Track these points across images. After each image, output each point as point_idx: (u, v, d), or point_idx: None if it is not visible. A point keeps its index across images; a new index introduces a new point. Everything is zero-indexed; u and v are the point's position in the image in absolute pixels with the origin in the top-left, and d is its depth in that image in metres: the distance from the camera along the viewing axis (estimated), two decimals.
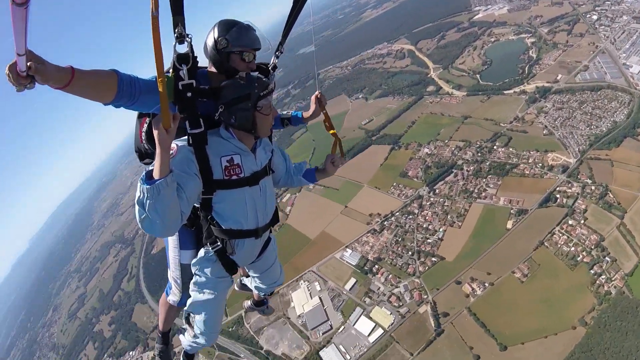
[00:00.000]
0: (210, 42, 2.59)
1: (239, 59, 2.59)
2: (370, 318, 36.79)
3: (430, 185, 47.37)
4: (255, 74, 2.54)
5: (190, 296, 3.02)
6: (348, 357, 34.83)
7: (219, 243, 2.72)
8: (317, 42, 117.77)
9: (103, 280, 69.77)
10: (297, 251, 46.61)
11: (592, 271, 33.34)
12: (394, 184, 50.28)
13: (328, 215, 50.32)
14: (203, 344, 3.31)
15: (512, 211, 40.40)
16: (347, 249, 44.46)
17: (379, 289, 38.85)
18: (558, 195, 39.89)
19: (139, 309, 55.09)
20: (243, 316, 41.45)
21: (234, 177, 2.52)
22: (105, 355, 51.67)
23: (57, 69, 1.69)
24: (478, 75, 63.85)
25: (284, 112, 3.74)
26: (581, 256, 34.58)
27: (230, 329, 41.56)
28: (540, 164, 43.77)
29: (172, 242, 3.00)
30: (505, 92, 57.42)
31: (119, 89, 2.09)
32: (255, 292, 4.17)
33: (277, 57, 3.15)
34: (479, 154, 48.33)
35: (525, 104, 53.23)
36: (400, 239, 42.45)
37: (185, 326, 3.25)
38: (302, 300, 40.67)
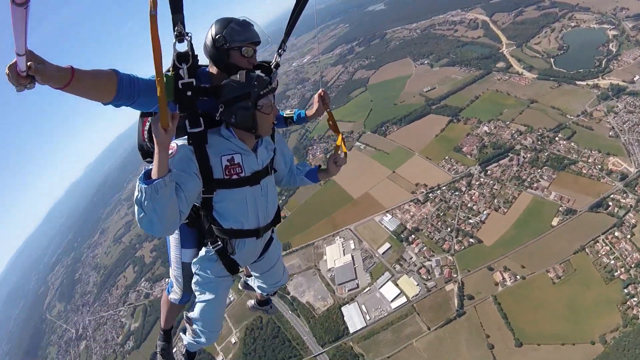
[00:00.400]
0: (208, 40, 2.55)
1: (238, 54, 2.54)
2: (397, 285, 37.31)
3: (483, 165, 45.81)
4: (257, 72, 2.47)
5: (191, 295, 3.07)
6: (368, 317, 35.63)
7: (219, 242, 2.70)
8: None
9: None
10: (338, 207, 46.84)
11: (625, 290, 32.58)
12: (446, 157, 48.96)
13: (374, 178, 49.94)
14: (203, 343, 3.25)
15: (560, 208, 39.29)
16: (387, 214, 44.26)
17: (411, 258, 38.94)
18: (610, 203, 38.25)
19: None
20: None
21: (235, 177, 2.50)
22: (143, 279, 55.53)
23: (57, 69, 1.70)
24: (552, 60, 59.28)
25: (288, 110, 3.67)
26: (619, 272, 33.79)
27: None
28: (600, 166, 41.72)
29: (173, 240, 3.00)
30: (577, 82, 53.32)
31: (118, 89, 2.07)
32: (258, 291, 4.10)
33: (280, 55, 3.06)
34: (539, 143, 46.07)
35: (596, 99, 49.35)
36: (441, 214, 42.05)
37: (186, 325, 3.21)
38: (334, 256, 41.24)
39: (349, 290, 37.75)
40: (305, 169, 3.37)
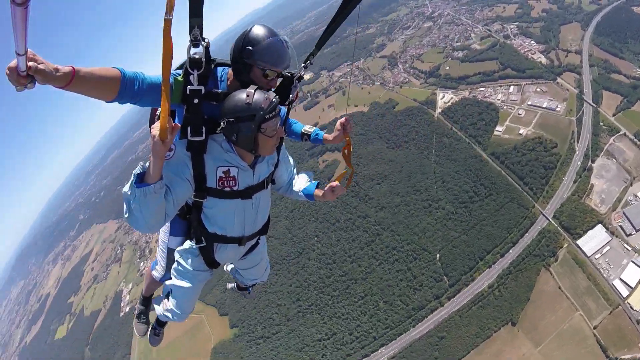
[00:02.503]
0: (237, 46, 2.42)
1: (260, 74, 2.43)
2: None
3: None
4: (268, 93, 2.34)
5: (171, 276, 3.11)
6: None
7: (203, 242, 2.75)
8: None
9: None
10: None
11: None
12: None
13: None
14: (173, 320, 3.42)
15: None
16: None
17: None
18: None
19: None
20: None
21: (227, 189, 2.49)
22: None
23: (57, 69, 1.67)
24: None
25: (308, 127, 3.47)
26: None
27: None
28: None
29: (164, 226, 2.91)
30: None
31: (121, 87, 2.04)
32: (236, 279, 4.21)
33: (306, 67, 2.90)
34: None
35: None
36: None
37: (163, 299, 3.32)
38: None
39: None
40: (306, 183, 3.30)
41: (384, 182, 49.53)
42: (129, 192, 2.01)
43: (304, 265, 48.07)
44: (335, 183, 3.08)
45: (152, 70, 2.34)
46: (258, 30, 2.39)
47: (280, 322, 44.80)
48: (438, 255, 40.91)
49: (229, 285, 5.02)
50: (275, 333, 44.13)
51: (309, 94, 70.92)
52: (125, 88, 2.06)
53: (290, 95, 2.90)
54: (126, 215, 2.08)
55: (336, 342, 40.34)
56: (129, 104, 2.20)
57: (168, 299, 3.22)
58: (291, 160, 3.24)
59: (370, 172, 50.98)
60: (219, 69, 2.59)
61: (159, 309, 3.45)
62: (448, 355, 34.94)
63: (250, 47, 2.34)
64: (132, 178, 2.02)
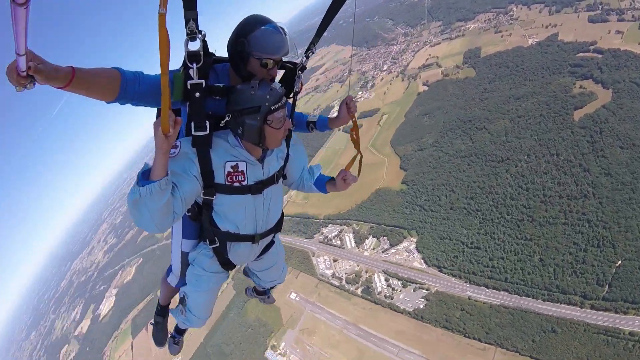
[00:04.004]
0: (231, 39, 2.38)
1: (258, 64, 2.35)
2: None
3: None
4: (272, 84, 2.33)
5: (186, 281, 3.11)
6: None
7: (216, 242, 2.72)
8: None
9: None
10: None
11: None
12: None
13: None
14: (191, 326, 3.43)
15: None
16: None
17: None
18: None
19: None
20: None
21: (236, 184, 2.44)
22: None
23: (57, 69, 1.69)
24: None
25: (312, 115, 3.40)
26: None
27: None
28: None
29: (176, 228, 2.96)
30: None
31: (121, 88, 2.06)
32: (254, 282, 4.13)
33: (308, 57, 2.80)
34: None
35: None
36: None
37: (179, 306, 3.29)
38: None
39: None
40: (315, 177, 3.22)
41: (630, 149, 40.24)
42: (133, 192, 1.97)
43: (498, 173, 46.92)
44: (345, 172, 3.01)
45: (154, 70, 2.12)
46: (249, 22, 2.35)
47: (444, 205, 48.12)
48: (619, 263, 34.86)
49: (247, 289, 4.98)
50: (434, 211, 48.26)
51: None
52: (125, 88, 2.07)
53: (295, 87, 2.86)
54: (132, 212, 2.05)
55: (473, 255, 42.31)
56: (130, 105, 2.21)
57: (184, 305, 3.19)
58: (304, 154, 3.14)
59: (625, 129, 41.41)
60: (220, 65, 2.58)
61: (176, 317, 3.46)
62: (544, 349, 33.72)
63: (243, 38, 2.30)
64: (135, 179, 2.00)
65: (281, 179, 2.81)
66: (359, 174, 3.11)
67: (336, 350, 42.83)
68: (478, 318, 38.21)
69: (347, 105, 3.11)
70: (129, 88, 2.08)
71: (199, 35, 2.04)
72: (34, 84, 1.58)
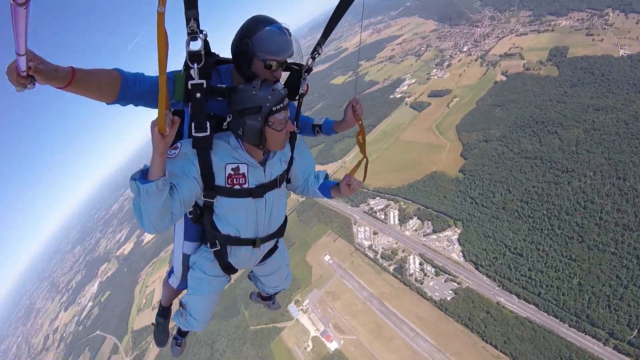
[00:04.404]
0: (235, 39, 2.33)
1: (262, 66, 2.30)
2: None
3: None
4: (274, 85, 2.27)
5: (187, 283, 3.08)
6: None
7: (217, 246, 2.68)
8: None
9: None
10: None
11: None
12: None
13: None
14: (192, 329, 3.43)
15: None
16: None
17: None
18: None
19: None
20: None
21: (237, 187, 2.40)
22: None
23: (57, 69, 1.68)
24: None
25: (318, 119, 3.32)
26: None
27: None
28: None
29: (178, 230, 2.94)
30: None
31: (121, 89, 2.04)
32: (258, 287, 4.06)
33: (314, 58, 2.72)
34: None
35: None
36: None
37: (180, 309, 3.29)
38: None
39: None
40: (320, 182, 3.09)
41: None
42: (132, 191, 1.98)
43: (559, 183, 44.68)
44: (351, 176, 2.86)
45: (154, 71, 2.18)
46: (254, 22, 2.29)
47: (496, 203, 46.69)
48: None
49: (252, 294, 4.90)
50: (485, 207, 46.99)
51: None
52: (125, 89, 2.05)
53: (300, 89, 2.78)
54: (133, 211, 2.07)
55: (513, 260, 41.50)
56: (131, 106, 2.20)
57: (184, 308, 3.19)
58: (310, 159, 3.05)
59: None
60: (223, 66, 2.53)
61: (178, 320, 3.44)
62: None
63: (247, 39, 2.25)
64: (133, 179, 2.00)
65: (284, 183, 2.75)
66: (364, 180, 2.99)
67: (355, 319, 43.69)
68: (500, 325, 38.30)
69: (353, 107, 2.98)
70: (129, 89, 2.06)
71: (200, 35, 2.02)
72: (34, 84, 1.58)
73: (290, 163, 2.76)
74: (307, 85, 2.79)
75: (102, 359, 68.76)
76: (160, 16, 1.59)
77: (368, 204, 57.01)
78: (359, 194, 58.36)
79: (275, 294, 4.37)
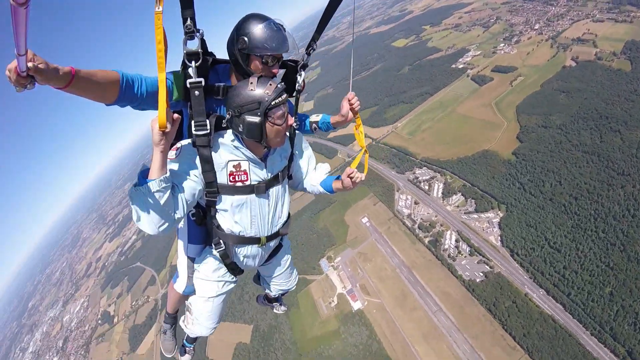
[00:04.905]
0: (231, 37, 2.35)
1: (259, 62, 2.34)
2: None
3: None
4: (272, 79, 2.28)
5: (194, 286, 3.04)
6: None
7: (222, 246, 2.64)
8: None
9: None
10: None
11: None
12: None
13: None
14: (199, 334, 3.35)
15: None
16: None
17: None
18: None
19: None
20: None
21: (239, 184, 2.40)
22: None
23: (57, 69, 1.66)
24: None
25: (314, 116, 3.28)
26: None
27: None
28: None
29: (182, 233, 2.92)
30: None
31: (121, 90, 2.03)
32: (265, 289, 3.98)
33: (309, 54, 2.77)
34: None
35: None
36: None
37: (187, 313, 3.23)
38: None
39: None
40: (322, 176, 3.08)
41: None
42: (132, 191, 1.96)
43: (612, 185, 42.73)
44: (352, 169, 2.78)
45: (154, 72, 1.95)
46: (249, 19, 2.30)
47: (545, 193, 45.33)
48: None
49: (259, 298, 4.82)
50: (532, 195, 45.65)
51: None
52: (125, 90, 2.03)
53: (297, 85, 2.80)
54: (132, 213, 2.02)
55: (550, 255, 40.82)
56: (130, 107, 2.19)
57: (191, 313, 3.13)
58: (310, 155, 3.06)
59: None
60: (221, 65, 2.54)
61: (184, 326, 3.38)
62: None
63: (243, 36, 2.26)
64: (136, 178, 2.00)
65: (286, 179, 2.77)
66: (365, 172, 2.91)
67: (382, 283, 43.56)
68: (524, 317, 38.44)
69: (350, 102, 2.96)
70: (128, 90, 2.06)
71: (197, 34, 2.07)
72: (34, 84, 1.57)
73: (290, 159, 2.78)
74: (304, 81, 2.81)
75: (139, 289, 72.00)
76: (158, 16, 1.69)
77: (414, 173, 55.70)
78: (407, 162, 56.84)
79: (282, 295, 4.23)
